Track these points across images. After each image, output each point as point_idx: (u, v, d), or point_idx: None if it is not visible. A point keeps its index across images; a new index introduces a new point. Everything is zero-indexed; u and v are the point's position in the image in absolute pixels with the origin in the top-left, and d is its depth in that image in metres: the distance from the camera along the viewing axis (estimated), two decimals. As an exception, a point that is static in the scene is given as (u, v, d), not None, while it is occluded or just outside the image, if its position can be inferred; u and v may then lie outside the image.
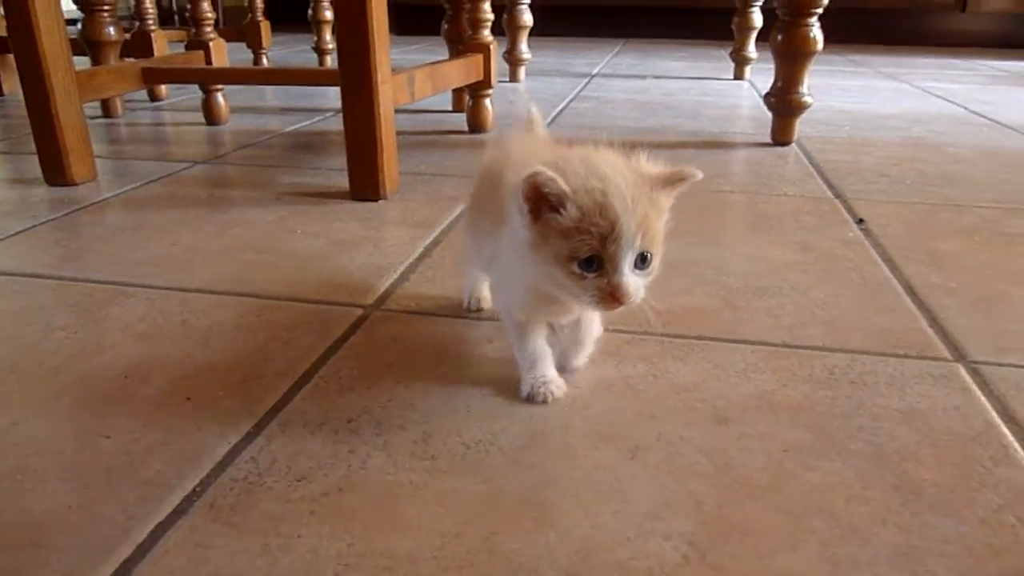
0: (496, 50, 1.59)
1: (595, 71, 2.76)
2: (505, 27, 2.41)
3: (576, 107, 2.00)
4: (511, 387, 0.61)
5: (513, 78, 2.48)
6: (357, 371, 0.64)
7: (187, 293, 0.80)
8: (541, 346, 0.60)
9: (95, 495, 0.48)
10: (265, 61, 2.64)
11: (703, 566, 0.43)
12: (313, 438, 0.55)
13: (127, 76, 1.38)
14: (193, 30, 1.68)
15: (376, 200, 1.13)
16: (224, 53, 1.72)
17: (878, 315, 0.76)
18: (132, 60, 1.59)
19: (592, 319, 0.63)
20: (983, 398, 0.61)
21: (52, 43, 1.12)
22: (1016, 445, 0.55)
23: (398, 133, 1.35)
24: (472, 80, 1.54)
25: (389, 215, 1.08)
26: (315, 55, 2.91)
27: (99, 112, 1.82)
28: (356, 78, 1.06)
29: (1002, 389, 0.62)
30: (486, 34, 1.56)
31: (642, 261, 0.51)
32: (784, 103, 1.49)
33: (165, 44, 1.94)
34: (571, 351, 0.64)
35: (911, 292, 0.81)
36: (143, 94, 2.08)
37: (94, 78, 1.28)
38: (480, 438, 0.55)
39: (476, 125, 1.63)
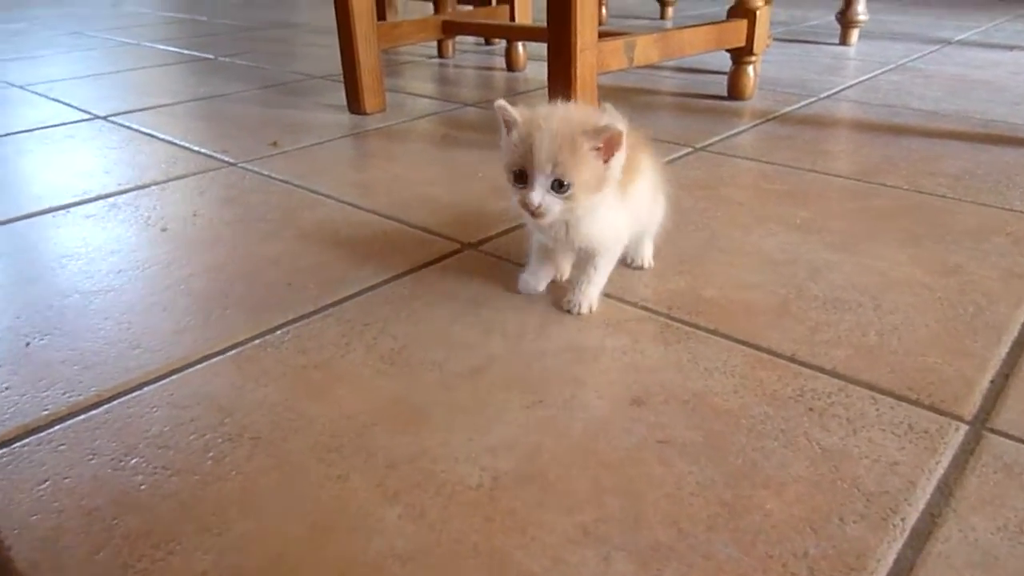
0: (766, 16, 1.53)
1: (958, 37, 2.38)
2: (842, -15, 2.21)
3: (883, 79, 1.81)
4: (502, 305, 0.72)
5: (844, 41, 2.28)
6: (414, 290, 0.80)
7: (358, 210, 1.04)
8: (537, 259, 0.79)
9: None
10: (604, 11, 2.80)
11: (497, 491, 0.52)
12: (324, 322, 0.73)
13: (427, 27, 1.66)
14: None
15: (566, 156, 1.24)
16: (528, 7, 1.92)
17: (939, 356, 0.67)
18: (439, 15, 1.88)
19: (593, 272, 0.75)
20: (943, 461, 0.54)
21: (360, 2, 1.42)
22: (911, 513, 0.50)
23: (656, 92, 1.45)
24: (729, 46, 1.52)
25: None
26: (658, 5, 2.98)
27: (435, 53, 2.19)
28: (559, 45, 1.17)
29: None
30: (756, -1, 1.51)
31: (560, 186, 0.65)
32: (1104, 98, 1.20)
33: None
34: (571, 293, 0.76)
35: (1018, 344, 0.69)
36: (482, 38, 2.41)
37: (395, 28, 1.58)
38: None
39: (735, 92, 1.61)
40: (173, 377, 0.67)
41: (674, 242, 0.89)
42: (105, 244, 0.94)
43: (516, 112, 0.67)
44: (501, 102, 0.67)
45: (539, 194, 0.65)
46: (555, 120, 0.65)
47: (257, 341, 0.72)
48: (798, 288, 0.80)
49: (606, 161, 0.66)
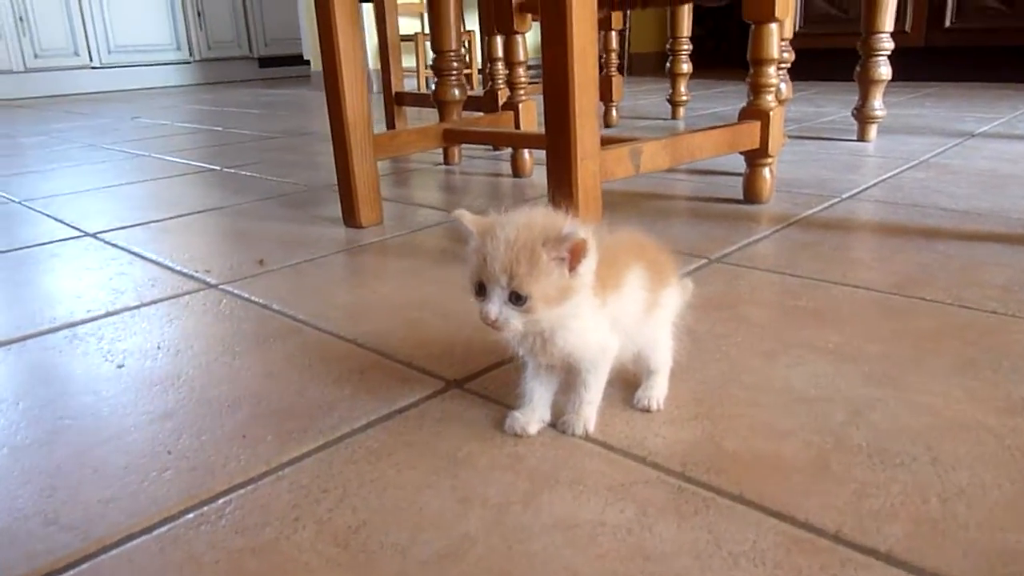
0: (780, 116, 1.46)
1: (981, 129, 2.31)
2: (856, 79, 2.17)
3: (908, 176, 1.72)
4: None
5: (862, 137, 2.22)
6: (385, 443, 0.69)
7: (337, 339, 0.94)
8: (531, 386, 0.71)
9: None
10: (614, 113, 2.79)
11: None
12: (275, 488, 0.61)
13: (427, 136, 1.61)
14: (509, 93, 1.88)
15: (570, 270, 1.14)
16: (533, 114, 1.88)
17: (1023, 532, 0.54)
18: (438, 123, 1.84)
19: (584, 392, 0.69)
20: None
21: (355, 113, 1.37)
22: None
23: (667, 196, 1.38)
24: (742, 149, 1.45)
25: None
26: (668, 106, 2.97)
27: (441, 160, 2.15)
28: (558, 154, 1.10)
29: None
30: (768, 99, 1.44)
31: (517, 299, 0.60)
32: None
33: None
34: (567, 414, 0.70)
35: (1122, 511, 0.56)
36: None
37: (394, 138, 1.53)
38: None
39: (751, 195, 1.52)
40: (82, 567, 0.55)
41: (688, 376, 0.78)
42: (54, 384, 0.85)
43: (471, 221, 0.64)
44: (459, 211, 0.65)
45: (496, 307, 0.61)
46: (511, 229, 0.61)
47: (191, 515, 0.60)
48: (836, 436, 0.67)
49: (572, 269, 0.61)
